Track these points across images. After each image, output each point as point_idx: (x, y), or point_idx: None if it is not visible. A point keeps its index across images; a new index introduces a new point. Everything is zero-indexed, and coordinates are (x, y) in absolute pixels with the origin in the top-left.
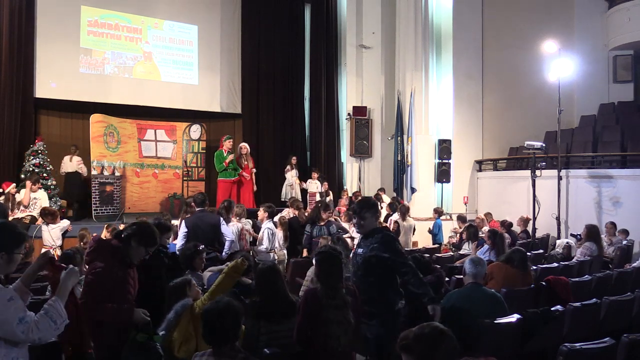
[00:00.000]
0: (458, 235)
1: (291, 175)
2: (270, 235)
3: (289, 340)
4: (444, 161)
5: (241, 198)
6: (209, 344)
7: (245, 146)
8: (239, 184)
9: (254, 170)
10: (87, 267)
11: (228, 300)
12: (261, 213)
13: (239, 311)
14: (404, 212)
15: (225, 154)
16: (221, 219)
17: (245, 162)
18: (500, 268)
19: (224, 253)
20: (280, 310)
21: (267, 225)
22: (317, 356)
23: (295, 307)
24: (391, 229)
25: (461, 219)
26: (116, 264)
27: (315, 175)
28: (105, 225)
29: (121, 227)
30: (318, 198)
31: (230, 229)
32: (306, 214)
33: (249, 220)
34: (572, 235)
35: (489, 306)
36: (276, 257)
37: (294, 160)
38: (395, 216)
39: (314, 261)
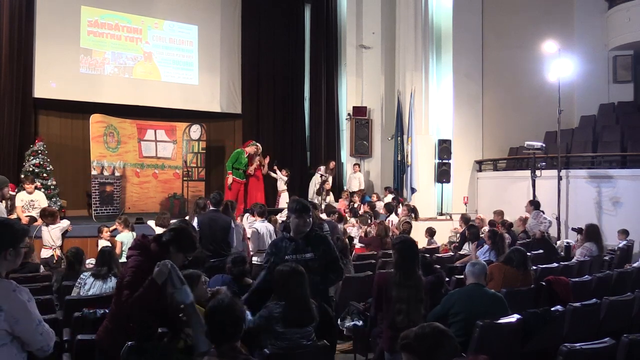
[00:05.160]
0: (459, 235)
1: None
2: (256, 235)
3: (296, 343)
4: (444, 161)
5: (252, 198)
6: (211, 342)
7: (257, 146)
8: (248, 184)
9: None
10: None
11: (231, 298)
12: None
13: (242, 310)
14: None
15: (245, 156)
16: (232, 221)
17: (258, 162)
18: (500, 268)
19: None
20: (298, 318)
21: (255, 225)
22: (387, 331)
23: (313, 315)
24: (396, 230)
25: (464, 219)
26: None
27: (284, 172)
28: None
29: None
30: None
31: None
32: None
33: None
34: (572, 229)
35: (489, 306)
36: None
37: (331, 164)
38: (394, 217)
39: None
